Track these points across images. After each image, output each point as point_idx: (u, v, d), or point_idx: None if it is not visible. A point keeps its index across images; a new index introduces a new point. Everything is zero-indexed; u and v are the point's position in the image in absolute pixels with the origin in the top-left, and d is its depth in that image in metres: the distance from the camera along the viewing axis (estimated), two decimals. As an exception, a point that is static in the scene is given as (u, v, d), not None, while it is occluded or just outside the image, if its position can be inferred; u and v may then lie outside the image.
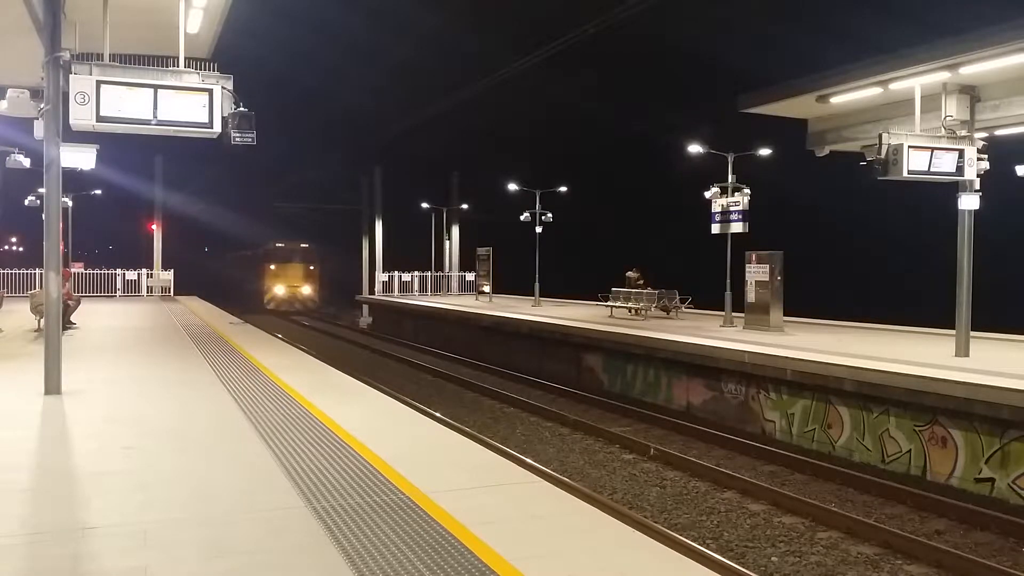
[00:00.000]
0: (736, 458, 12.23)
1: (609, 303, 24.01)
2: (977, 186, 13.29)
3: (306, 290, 44.79)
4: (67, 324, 15.86)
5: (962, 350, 13.28)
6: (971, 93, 13.21)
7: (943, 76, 12.62)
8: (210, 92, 8.51)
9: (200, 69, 8.74)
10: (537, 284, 28.92)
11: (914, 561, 8.08)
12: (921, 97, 13.11)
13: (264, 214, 49.45)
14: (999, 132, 14.00)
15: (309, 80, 40.06)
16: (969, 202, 13.34)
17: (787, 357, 13.37)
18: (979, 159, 13.18)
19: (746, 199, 18.70)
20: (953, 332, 13.59)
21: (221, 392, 9.66)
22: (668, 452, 12.18)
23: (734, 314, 19.54)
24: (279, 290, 44.33)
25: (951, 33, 12.45)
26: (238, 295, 45.99)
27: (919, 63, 12.51)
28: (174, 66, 8.81)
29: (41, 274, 13.63)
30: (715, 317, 21.19)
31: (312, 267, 45.46)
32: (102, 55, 8.55)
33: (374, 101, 40.68)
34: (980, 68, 12.09)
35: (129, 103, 8.30)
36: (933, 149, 12.75)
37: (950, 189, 13.51)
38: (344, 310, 45.25)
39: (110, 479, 5.89)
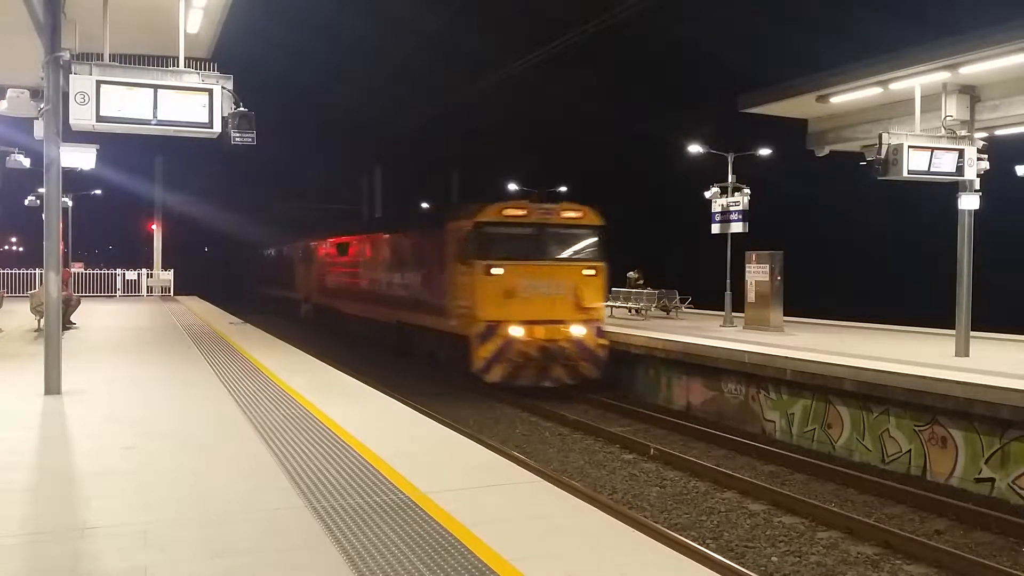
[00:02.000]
0: (736, 458, 12.22)
1: (609, 303, 23.98)
2: (977, 186, 13.30)
3: (579, 330, 17.25)
4: (67, 324, 15.88)
5: (962, 350, 13.28)
6: (971, 93, 13.21)
7: (943, 76, 12.62)
8: (210, 92, 8.54)
9: (200, 69, 8.77)
10: (537, 284, 28.52)
11: (914, 561, 8.07)
12: (921, 97, 13.11)
13: (264, 214, 48.34)
14: (999, 132, 14.00)
15: (309, 80, 40.21)
16: (969, 202, 13.35)
17: (787, 357, 13.37)
18: (979, 159, 13.19)
19: (746, 199, 18.72)
20: (953, 332, 13.59)
21: (221, 392, 9.67)
22: (668, 452, 12.17)
23: (734, 314, 19.54)
24: (516, 332, 16.81)
25: (951, 33, 12.45)
26: (347, 339, 26.27)
27: (919, 63, 12.51)
28: (174, 66, 8.83)
29: (41, 274, 13.64)
30: (715, 317, 21.20)
31: (593, 271, 17.93)
32: (102, 55, 8.56)
33: (374, 101, 40.81)
34: (980, 68, 12.08)
35: (129, 103, 8.33)
36: (933, 149, 12.75)
37: (950, 189, 13.51)
38: None
39: (110, 479, 5.89)
